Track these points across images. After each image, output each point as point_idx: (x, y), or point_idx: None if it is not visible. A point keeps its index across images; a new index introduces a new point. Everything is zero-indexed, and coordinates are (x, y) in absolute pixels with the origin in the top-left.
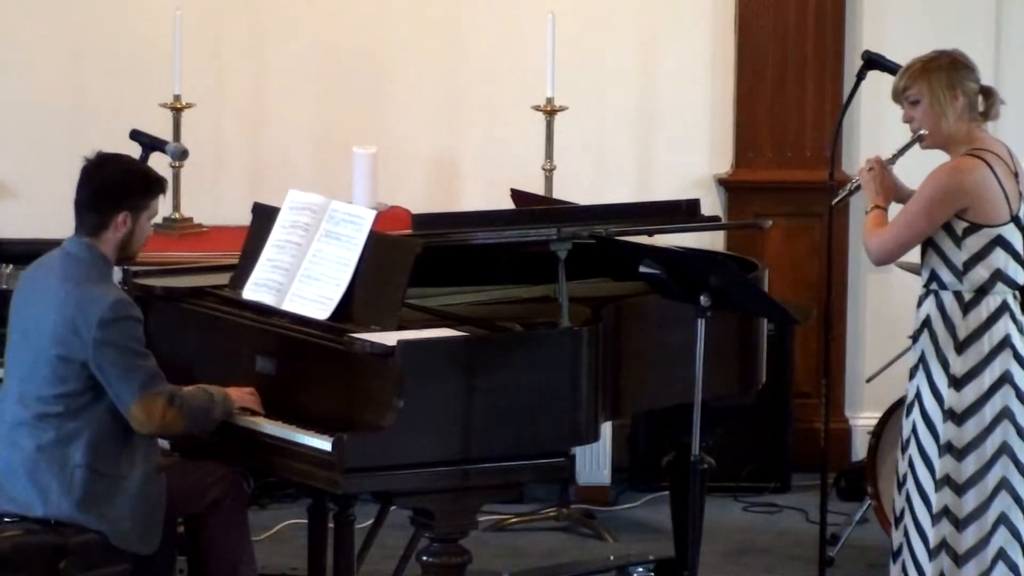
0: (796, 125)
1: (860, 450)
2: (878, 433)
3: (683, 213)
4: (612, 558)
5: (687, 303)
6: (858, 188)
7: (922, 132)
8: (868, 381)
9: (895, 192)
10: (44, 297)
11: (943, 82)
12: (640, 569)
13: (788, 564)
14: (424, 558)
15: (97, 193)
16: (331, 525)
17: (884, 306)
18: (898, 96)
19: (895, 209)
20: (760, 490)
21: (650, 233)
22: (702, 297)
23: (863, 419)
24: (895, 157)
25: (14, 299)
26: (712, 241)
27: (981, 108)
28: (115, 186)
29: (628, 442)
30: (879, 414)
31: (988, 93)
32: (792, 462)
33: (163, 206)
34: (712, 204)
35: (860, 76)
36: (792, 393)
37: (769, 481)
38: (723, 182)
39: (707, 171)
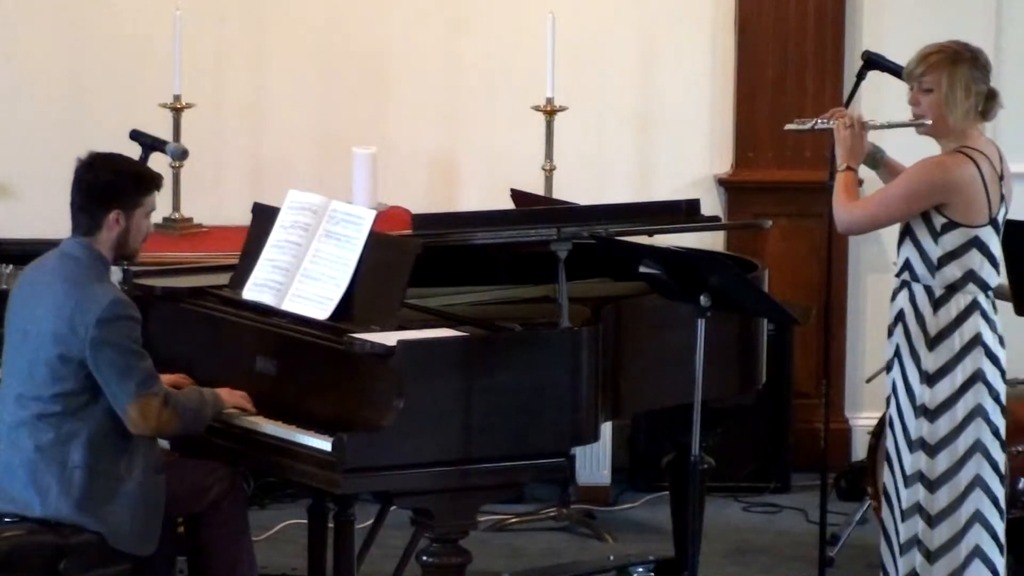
0: None
1: (860, 450)
2: (878, 433)
3: (683, 213)
4: (612, 558)
5: (687, 303)
6: (821, 131)
7: (926, 121)
8: (868, 381)
9: (868, 156)
10: (43, 298)
11: (961, 79)
12: (640, 569)
13: (788, 564)
14: (424, 558)
15: (88, 194)
16: (331, 525)
17: (884, 306)
18: (911, 79)
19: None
20: (760, 490)
21: (650, 233)
22: (702, 297)
23: (863, 419)
24: (881, 127)
25: (12, 300)
26: (712, 241)
27: (980, 108)
28: (105, 186)
29: (628, 442)
30: (879, 414)
31: (992, 95)
32: (792, 462)
33: (163, 206)
34: (712, 204)
35: (860, 76)
36: (792, 393)
37: (769, 481)
38: (723, 182)
39: (707, 171)
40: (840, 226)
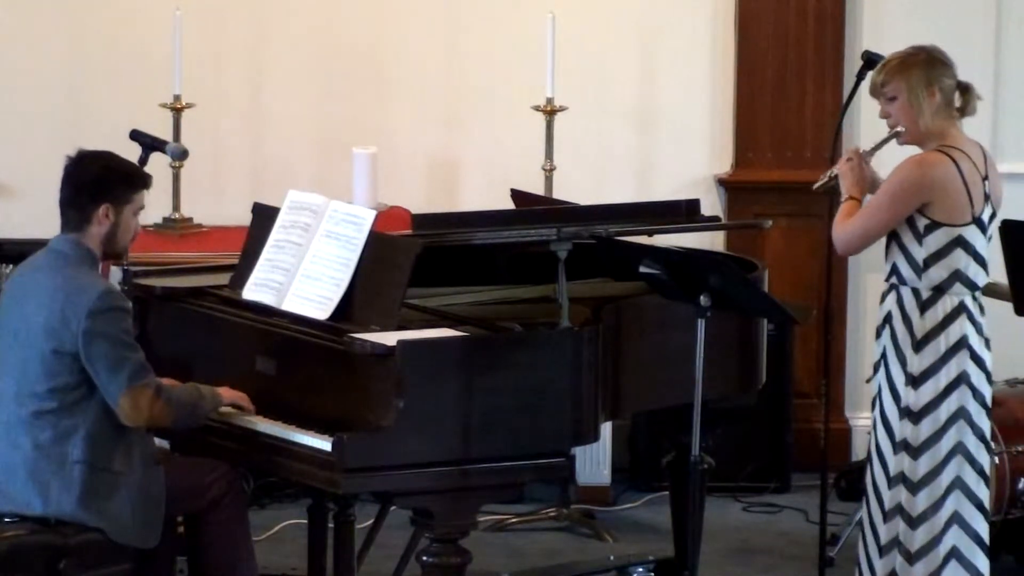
0: (796, 125)
1: (860, 450)
2: None
3: (683, 213)
4: (612, 558)
5: (687, 303)
6: (837, 177)
7: (899, 129)
8: (868, 381)
9: (872, 185)
10: (34, 295)
11: (920, 79)
12: (640, 569)
13: (788, 564)
14: (424, 558)
15: (77, 189)
16: (331, 525)
17: None
18: (875, 92)
19: None
20: (760, 490)
21: (650, 233)
22: (702, 297)
23: (863, 419)
24: (873, 151)
25: (3, 301)
26: (712, 241)
27: (958, 104)
28: (95, 180)
29: (628, 442)
30: None
31: (965, 89)
32: (792, 462)
33: (163, 206)
34: (712, 204)
35: (860, 76)
36: (792, 393)
37: (769, 481)
38: (723, 182)
39: (707, 171)
40: (838, 247)
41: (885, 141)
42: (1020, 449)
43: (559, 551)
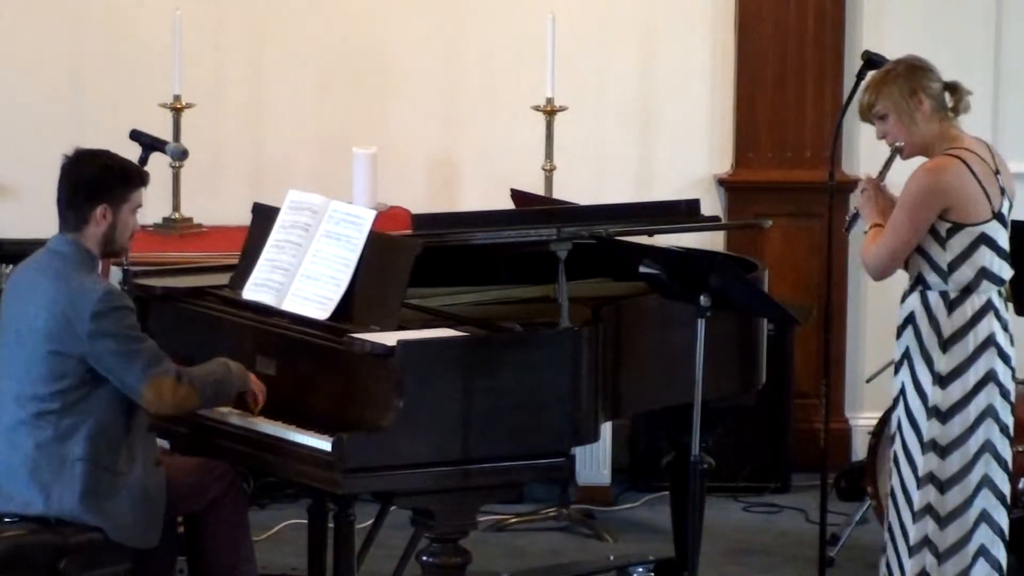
0: (796, 125)
1: (860, 450)
2: (878, 433)
3: (683, 213)
4: (612, 558)
5: (687, 303)
6: (858, 213)
7: (899, 144)
8: (868, 381)
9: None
10: (34, 296)
11: (903, 90)
12: (640, 569)
13: (788, 564)
14: (424, 558)
15: (75, 189)
16: (331, 525)
17: (884, 306)
18: (865, 116)
19: None
20: (760, 490)
21: (650, 233)
22: (702, 297)
23: (863, 419)
24: (882, 174)
25: (4, 300)
26: (712, 241)
27: (950, 104)
28: (92, 180)
29: (628, 442)
30: (879, 414)
31: (954, 88)
32: (792, 462)
33: (163, 206)
34: (712, 204)
35: (860, 76)
36: (792, 393)
37: (769, 481)
38: (723, 182)
39: (707, 171)
40: (870, 272)
41: (890, 160)
42: (1021, 449)
43: (559, 551)
